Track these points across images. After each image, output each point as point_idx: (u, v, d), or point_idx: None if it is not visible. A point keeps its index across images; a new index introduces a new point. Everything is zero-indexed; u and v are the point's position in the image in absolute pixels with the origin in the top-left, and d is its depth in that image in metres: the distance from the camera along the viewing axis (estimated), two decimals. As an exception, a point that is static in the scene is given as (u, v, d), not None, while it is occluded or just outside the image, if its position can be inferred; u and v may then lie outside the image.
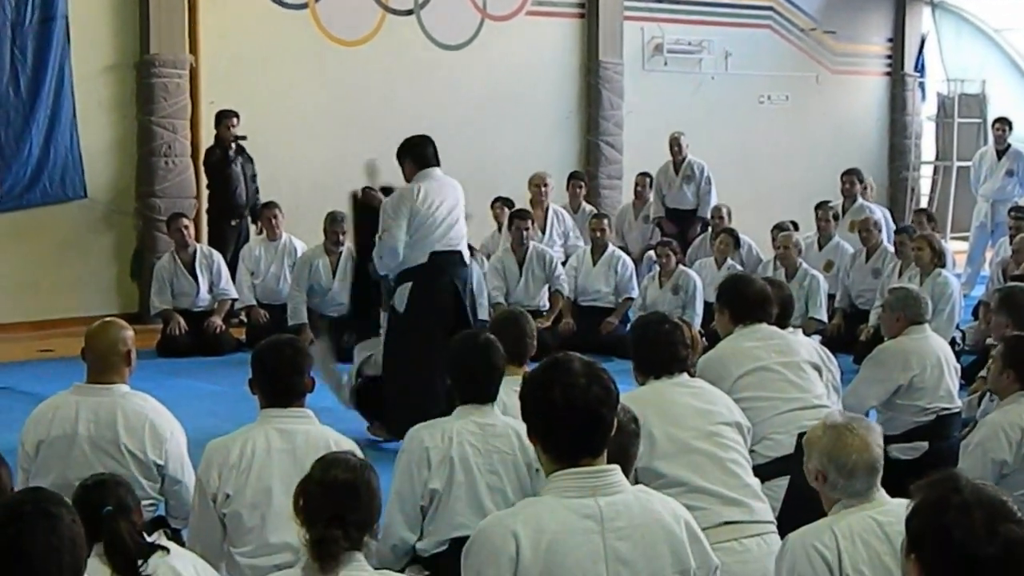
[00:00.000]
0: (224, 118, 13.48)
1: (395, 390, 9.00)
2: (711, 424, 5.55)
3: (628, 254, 13.74)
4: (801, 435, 6.30)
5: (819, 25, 19.55)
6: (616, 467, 3.82)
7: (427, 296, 9.02)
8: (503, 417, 5.48)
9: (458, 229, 9.23)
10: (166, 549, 4.13)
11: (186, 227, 12.75)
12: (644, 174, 15.63)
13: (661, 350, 5.77)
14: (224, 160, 13.38)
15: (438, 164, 9.23)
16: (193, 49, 14.05)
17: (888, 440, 7.59)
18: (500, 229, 13.82)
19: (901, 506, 4.44)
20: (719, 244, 13.36)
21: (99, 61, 13.73)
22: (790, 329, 7.20)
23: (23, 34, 13.09)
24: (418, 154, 9.15)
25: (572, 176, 15.57)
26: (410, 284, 9.02)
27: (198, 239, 13.29)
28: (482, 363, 5.50)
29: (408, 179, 9.11)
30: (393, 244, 8.89)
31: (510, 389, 5.84)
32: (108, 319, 6.07)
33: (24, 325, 13.21)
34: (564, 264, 13.17)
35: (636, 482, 5.16)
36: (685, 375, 5.80)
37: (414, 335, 9.01)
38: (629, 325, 12.69)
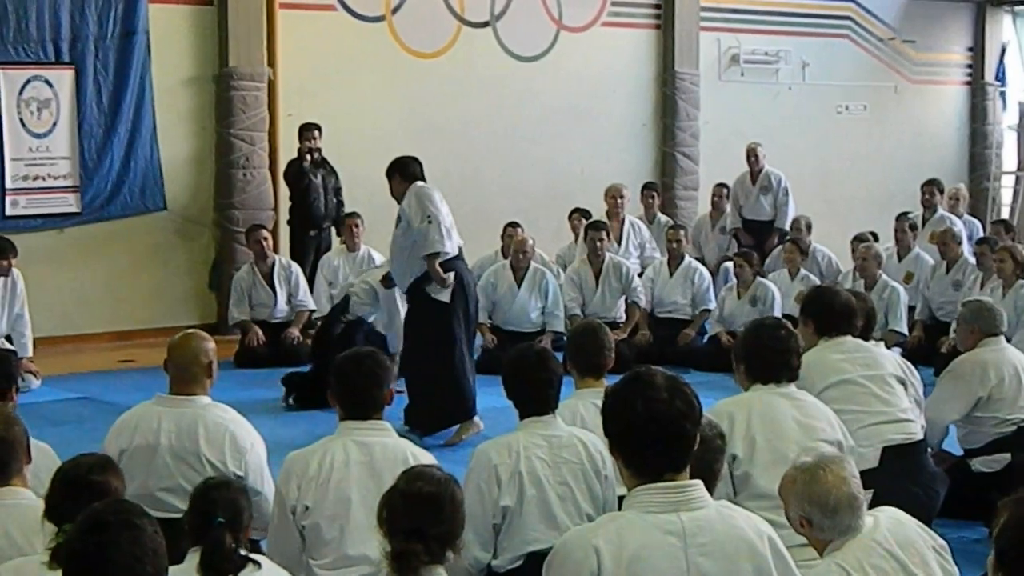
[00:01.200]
0: (305, 131, 13.56)
1: (435, 382, 9.32)
2: (811, 440, 5.49)
3: (705, 265, 13.68)
4: (886, 449, 6.28)
5: (898, 34, 19.39)
6: (699, 482, 3.78)
7: (465, 287, 9.46)
8: (567, 427, 5.46)
9: None
10: (258, 564, 4.15)
11: (265, 238, 12.82)
12: (721, 185, 15.55)
13: (774, 356, 5.73)
14: (302, 172, 13.44)
15: (424, 181, 9.55)
16: (271, 62, 14.15)
17: (970, 453, 7.57)
18: (577, 240, 13.79)
19: (892, 519, 4.38)
20: (786, 254, 13.29)
21: (179, 74, 13.87)
22: (872, 342, 7.14)
23: (105, 48, 13.25)
24: (408, 172, 9.51)
25: (646, 187, 15.52)
26: (452, 274, 9.29)
27: (277, 250, 13.37)
28: (540, 375, 5.48)
29: (397, 194, 9.53)
30: (447, 225, 9.28)
31: (588, 402, 5.84)
32: (190, 330, 6.11)
33: (105, 335, 13.38)
34: (640, 275, 13.12)
35: (732, 488, 5.13)
36: (792, 386, 5.75)
37: (458, 325, 9.38)
38: (706, 337, 12.76)
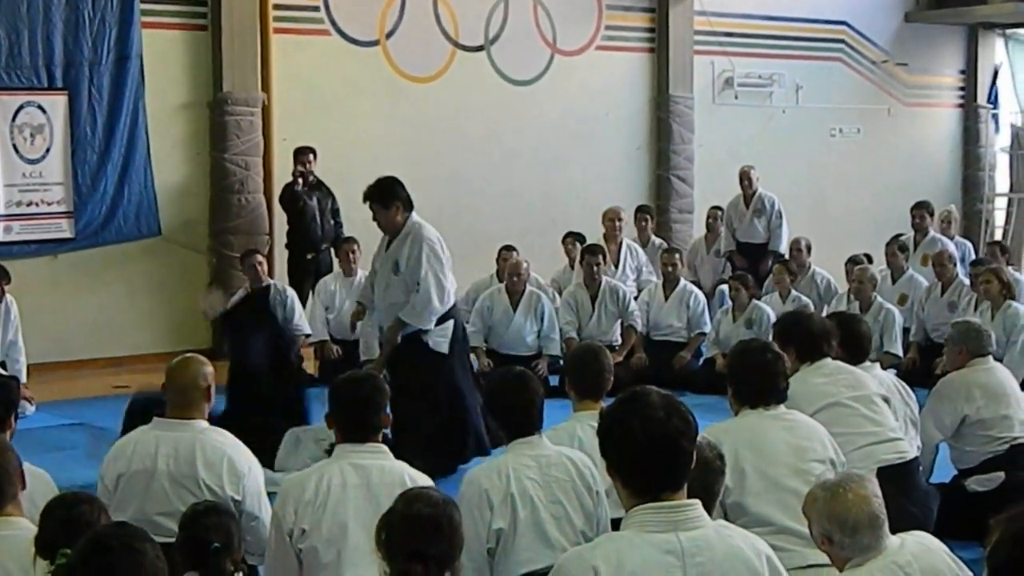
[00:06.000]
0: (300, 155, 13.57)
1: (440, 427, 9.01)
2: (803, 462, 5.50)
3: (700, 288, 13.69)
4: (880, 469, 6.28)
5: (891, 57, 19.44)
6: (697, 502, 3.78)
7: (463, 333, 9.31)
8: (554, 446, 5.46)
9: None
10: None
11: (260, 263, 12.75)
12: (716, 208, 15.58)
13: (761, 379, 5.73)
14: (295, 195, 13.45)
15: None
16: (265, 87, 14.17)
17: (964, 473, 7.57)
18: (572, 264, 13.80)
19: (920, 544, 4.38)
20: (775, 276, 13.29)
21: (173, 99, 13.88)
22: (867, 363, 7.14)
23: (99, 73, 13.26)
24: (406, 198, 9.11)
25: (639, 210, 15.53)
26: (451, 323, 9.14)
27: (272, 274, 13.36)
28: (523, 396, 5.49)
29: (396, 221, 9.05)
30: (449, 288, 9.01)
31: (586, 424, 5.84)
32: (189, 354, 6.11)
33: (99, 361, 13.37)
34: (636, 298, 13.13)
35: (724, 517, 5.13)
36: (782, 407, 5.75)
37: (460, 371, 9.23)
38: (702, 360, 12.77)
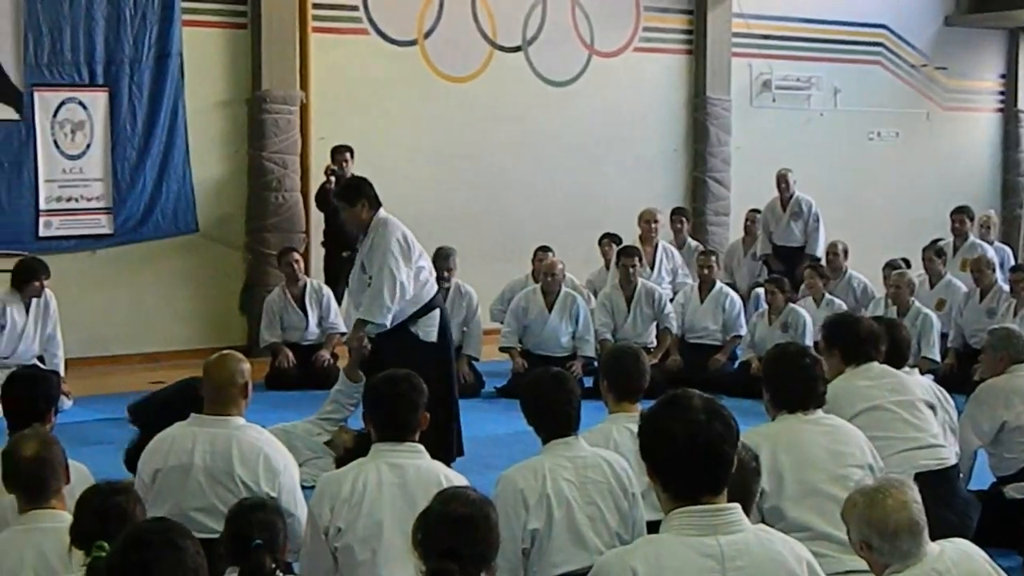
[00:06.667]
0: (336, 153, 13.62)
1: (434, 425, 8.90)
2: (842, 467, 5.46)
3: (736, 291, 13.65)
4: (918, 475, 6.24)
5: (930, 61, 19.36)
6: (737, 505, 3.76)
7: (446, 323, 9.18)
8: (590, 448, 5.44)
9: None
10: None
11: (296, 261, 12.85)
12: (754, 210, 15.54)
13: (799, 384, 5.69)
14: (329, 194, 13.46)
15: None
16: (304, 85, 14.21)
17: (1003, 480, 7.52)
18: (607, 266, 13.78)
19: (961, 551, 4.35)
20: (807, 281, 13.17)
21: (212, 97, 13.94)
22: (906, 369, 7.10)
23: (139, 71, 13.34)
24: (373, 196, 8.98)
25: (675, 212, 15.51)
26: (437, 311, 9.06)
27: (309, 273, 13.40)
28: (560, 397, 5.47)
29: (362, 219, 8.92)
30: (405, 282, 8.78)
31: (622, 426, 5.83)
32: (226, 351, 6.10)
33: (135, 357, 13.43)
34: (671, 300, 13.10)
35: (761, 522, 5.11)
36: (820, 411, 5.72)
37: (447, 363, 9.14)
38: (737, 363, 12.73)
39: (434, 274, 9.27)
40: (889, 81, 19.07)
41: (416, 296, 8.91)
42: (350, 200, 9.01)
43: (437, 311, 9.09)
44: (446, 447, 8.59)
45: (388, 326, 8.76)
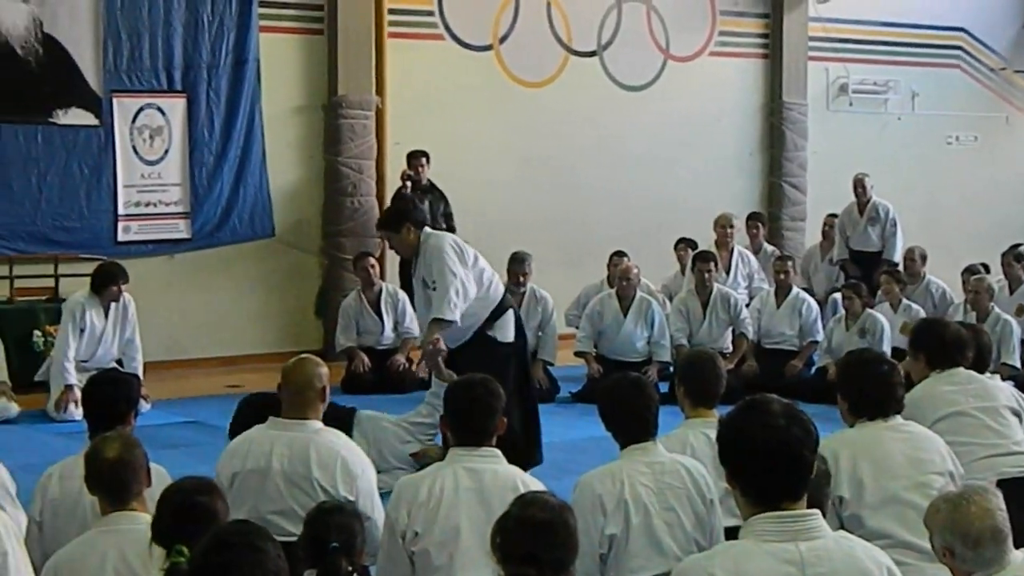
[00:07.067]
0: (412, 158, 13.68)
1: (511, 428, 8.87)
2: (922, 474, 5.40)
3: (813, 296, 13.56)
4: (1001, 482, 6.16)
5: (1009, 64, 19.16)
6: (817, 512, 3.74)
7: (520, 324, 9.19)
8: (668, 454, 5.42)
9: None
10: None
11: (372, 266, 12.90)
12: (832, 215, 15.41)
13: (877, 391, 5.64)
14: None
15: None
16: (379, 91, 14.28)
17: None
18: (683, 270, 13.73)
19: None
20: (884, 286, 13.06)
21: (288, 102, 14.03)
22: (987, 375, 7.03)
23: (217, 76, 13.46)
24: (417, 218, 9.03)
25: (751, 217, 15.45)
26: (511, 312, 9.06)
27: (384, 277, 13.45)
28: (639, 402, 5.45)
29: (410, 241, 8.89)
30: (466, 282, 8.73)
31: (698, 431, 5.80)
32: (304, 355, 6.14)
33: (212, 360, 13.54)
34: (747, 305, 13.04)
35: (840, 527, 5.07)
36: (899, 418, 5.67)
37: (524, 363, 9.19)
38: (813, 368, 12.64)
39: (497, 275, 9.24)
40: (967, 85, 18.89)
41: (484, 298, 8.91)
42: (394, 227, 8.99)
43: (511, 311, 9.11)
44: (525, 452, 8.51)
45: (459, 322, 8.72)
